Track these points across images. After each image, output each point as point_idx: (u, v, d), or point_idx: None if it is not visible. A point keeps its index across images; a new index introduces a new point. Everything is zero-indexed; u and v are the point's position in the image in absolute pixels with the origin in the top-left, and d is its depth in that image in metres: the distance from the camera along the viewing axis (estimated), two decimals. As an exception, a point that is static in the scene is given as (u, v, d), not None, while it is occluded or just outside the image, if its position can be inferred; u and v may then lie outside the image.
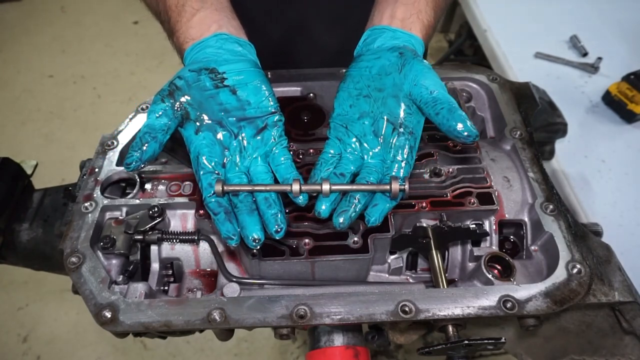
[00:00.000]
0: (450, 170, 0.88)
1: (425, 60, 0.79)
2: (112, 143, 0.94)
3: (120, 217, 0.84)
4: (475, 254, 0.83)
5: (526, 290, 0.73)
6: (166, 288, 0.85)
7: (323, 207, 0.73)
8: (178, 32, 0.84)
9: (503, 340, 0.70)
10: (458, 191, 0.85)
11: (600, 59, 1.86)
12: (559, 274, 0.75)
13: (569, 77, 1.85)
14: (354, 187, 0.73)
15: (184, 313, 0.71)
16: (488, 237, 0.85)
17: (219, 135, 0.79)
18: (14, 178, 0.98)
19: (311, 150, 0.92)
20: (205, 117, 0.79)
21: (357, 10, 0.95)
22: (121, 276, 0.78)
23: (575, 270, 0.75)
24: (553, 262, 0.78)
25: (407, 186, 0.72)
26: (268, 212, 0.73)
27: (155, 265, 0.84)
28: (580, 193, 1.50)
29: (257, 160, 0.79)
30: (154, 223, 0.82)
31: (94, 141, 0.95)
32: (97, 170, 0.90)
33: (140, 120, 0.97)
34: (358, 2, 0.99)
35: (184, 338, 2.08)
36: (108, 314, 0.70)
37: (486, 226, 0.85)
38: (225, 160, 0.79)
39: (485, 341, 0.71)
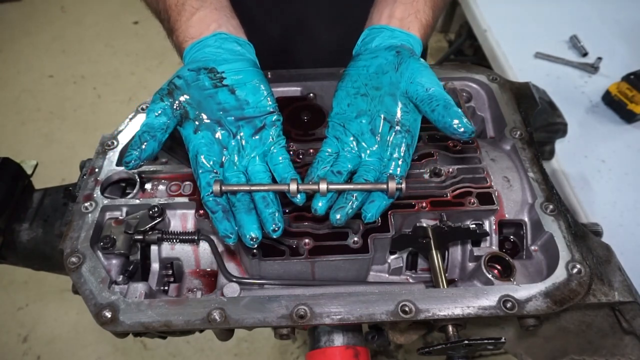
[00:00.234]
0: (450, 170, 0.88)
1: (422, 59, 0.79)
2: (112, 143, 0.94)
3: (120, 217, 0.84)
4: (475, 254, 0.83)
5: (526, 290, 0.73)
6: (166, 288, 0.85)
7: (320, 205, 0.73)
8: (177, 31, 0.84)
9: (503, 340, 0.70)
10: (458, 191, 0.85)
11: (600, 59, 1.86)
12: (559, 274, 0.75)
13: (569, 77, 1.85)
14: (351, 186, 0.74)
15: (184, 313, 0.71)
16: (488, 237, 0.85)
17: (218, 135, 0.79)
18: (14, 178, 0.98)
19: (311, 150, 0.92)
20: (204, 116, 0.79)
21: (357, 9, 0.95)
22: (121, 276, 0.78)
23: (575, 270, 0.75)
24: (553, 262, 0.78)
25: (404, 185, 0.72)
26: (266, 211, 0.73)
27: (155, 265, 0.84)
28: (580, 193, 1.50)
29: (255, 159, 0.80)
30: (154, 223, 0.82)
31: (94, 141, 0.95)
32: (97, 170, 0.90)
33: (140, 120, 0.97)
34: (358, 1, 0.99)
35: (184, 338, 2.08)
36: (108, 314, 0.70)
37: (486, 226, 0.85)
38: (223, 160, 0.79)
39: (485, 341, 0.71)
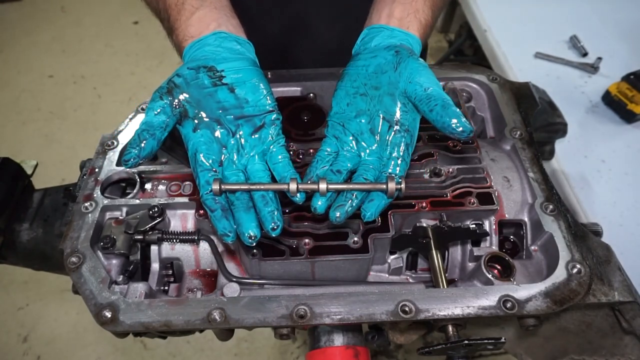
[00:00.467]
0: (450, 170, 0.88)
1: (421, 59, 0.79)
2: (112, 143, 0.94)
3: (121, 217, 0.84)
4: (475, 254, 0.83)
5: (526, 290, 0.73)
6: (166, 288, 0.85)
7: (319, 203, 0.73)
8: (177, 30, 0.84)
9: (503, 340, 0.70)
10: (458, 191, 0.85)
11: (600, 59, 1.86)
12: (559, 274, 0.75)
13: (569, 77, 1.85)
14: (350, 186, 0.73)
15: (184, 313, 0.71)
16: (488, 237, 0.85)
17: (217, 133, 0.79)
18: (14, 178, 0.98)
19: (311, 150, 0.92)
20: (204, 115, 0.79)
21: (356, 9, 0.95)
22: (121, 276, 0.78)
23: (575, 270, 0.75)
24: (553, 262, 0.78)
25: (403, 185, 0.72)
26: (265, 209, 0.73)
27: (155, 265, 0.84)
28: (580, 193, 1.50)
29: (255, 158, 0.79)
30: (154, 223, 0.82)
31: (94, 141, 0.95)
32: (97, 170, 0.90)
33: (140, 120, 0.97)
34: (358, 0, 0.99)
35: (184, 338, 2.08)
36: (108, 314, 0.70)
37: (486, 226, 0.85)
38: (222, 158, 0.79)
39: (485, 341, 0.71)
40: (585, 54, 1.90)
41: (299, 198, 0.74)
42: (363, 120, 0.80)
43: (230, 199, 0.75)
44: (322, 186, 0.71)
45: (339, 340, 0.82)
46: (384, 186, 0.72)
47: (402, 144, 0.77)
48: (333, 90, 0.85)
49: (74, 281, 0.75)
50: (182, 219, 0.86)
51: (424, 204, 0.83)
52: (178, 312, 0.71)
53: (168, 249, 0.85)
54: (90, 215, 0.82)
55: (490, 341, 0.71)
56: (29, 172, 1.03)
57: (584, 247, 0.80)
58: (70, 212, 0.86)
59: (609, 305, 0.78)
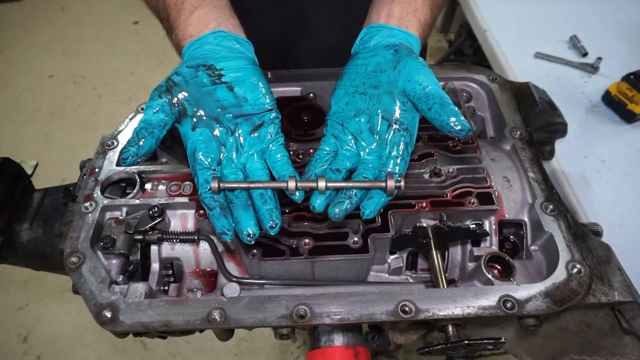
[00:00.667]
0: (450, 170, 0.88)
1: (420, 58, 0.79)
2: (112, 143, 0.94)
3: (121, 217, 0.84)
4: (475, 254, 0.83)
5: (526, 290, 0.73)
6: (166, 288, 0.85)
7: (318, 202, 0.73)
8: (177, 29, 0.84)
9: (503, 340, 0.70)
10: (458, 191, 0.85)
11: (600, 59, 1.86)
12: (559, 274, 0.75)
13: (569, 77, 1.85)
14: (350, 183, 0.73)
15: (184, 313, 0.71)
16: (488, 237, 0.85)
17: (216, 132, 0.79)
18: (14, 178, 0.98)
19: (311, 150, 0.92)
20: (202, 114, 0.79)
21: (356, 9, 0.95)
22: (121, 276, 0.78)
23: (575, 270, 0.75)
24: (553, 262, 0.78)
25: (402, 182, 0.72)
26: (263, 207, 0.73)
27: (155, 265, 0.84)
28: (580, 193, 1.50)
29: (254, 157, 0.79)
30: (154, 223, 0.82)
31: (94, 141, 0.95)
32: (97, 170, 0.90)
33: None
34: (358, 0, 0.99)
35: (184, 338, 2.08)
36: (108, 314, 0.70)
37: (486, 226, 0.85)
38: (221, 157, 0.79)
39: (485, 341, 0.71)
40: (585, 54, 1.90)
41: (298, 196, 0.74)
42: (362, 119, 0.80)
43: (229, 198, 0.75)
44: (321, 184, 0.71)
45: (339, 340, 0.82)
46: (383, 184, 0.72)
47: (402, 142, 0.77)
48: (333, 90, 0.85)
49: (74, 281, 0.75)
50: (182, 219, 0.86)
51: (424, 204, 0.83)
52: (178, 312, 0.71)
53: (168, 249, 0.85)
54: (90, 215, 0.82)
55: (490, 341, 0.71)
56: (29, 172, 1.03)
57: (584, 247, 0.80)
58: (70, 212, 0.86)
59: (609, 305, 0.78)
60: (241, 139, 0.80)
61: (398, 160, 0.76)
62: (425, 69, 0.76)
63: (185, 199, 0.85)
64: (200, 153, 0.77)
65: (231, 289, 0.77)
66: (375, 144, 0.79)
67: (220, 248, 0.84)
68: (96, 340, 2.26)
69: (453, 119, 0.70)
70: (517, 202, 0.87)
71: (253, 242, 0.73)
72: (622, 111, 1.69)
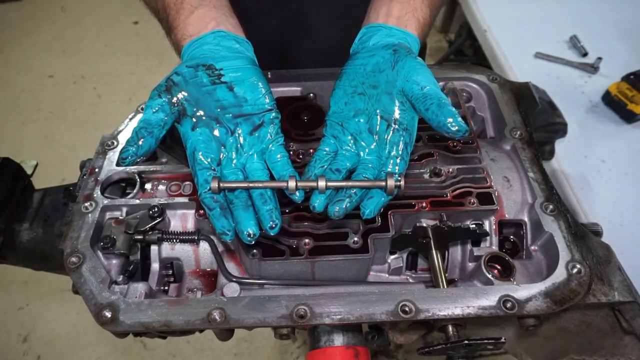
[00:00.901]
0: (450, 170, 0.88)
1: (419, 57, 0.79)
2: (112, 143, 0.94)
3: (121, 217, 0.84)
4: (475, 254, 0.83)
5: (526, 290, 0.73)
6: (166, 288, 0.85)
7: (318, 201, 0.73)
8: (176, 29, 0.84)
9: (503, 340, 0.70)
10: (458, 191, 0.85)
11: (600, 59, 1.86)
12: (559, 274, 0.75)
13: (569, 77, 1.85)
14: (350, 183, 0.73)
15: (184, 313, 0.71)
16: (488, 237, 0.85)
17: (216, 132, 0.79)
18: (14, 178, 0.98)
19: (311, 150, 0.92)
20: (202, 113, 0.79)
21: (356, 9, 0.95)
22: (121, 276, 0.78)
23: (575, 270, 0.75)
24: (553, 262, 0.78)
25: (402, 182, 0.72)
26: (263, 207, 0.73)
27: (155, 265, 0.84)
28: (580, 193, 1.50)
29: (254, 157, 0.79)
30: (154, 223, 0.82)
31: (94, 141, 0.95)
32: (97, 170, 0.90)
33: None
34: (358, 0, 0.99)
35: (184, 338, 2.08)
36: (108, 314, 0.70)
37: (486, 226, 0.85)
38: (221, 157, 0.79)
39: (485, 341, 0.71)
40: (585, 54, 1.90)
41: (298, 196, 0.74)
42: (361, 120, 0.80)
43: (229, 198, 0.75)
44: (321, 183, 0.71)
45: (339, 340, 0.82)
46: (383, 183, 0.72)
47: (401, 142, 0.77)
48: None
49: (74, 281, 0.75)
50: (182, 219, 0.86)
51: (424, 204, 0.83)
52: (178, 312, 0.71)
53: (168, 249, 0.85)
54: (90, 215, 0.82)
55: (490, 341, 0.71)
56: (29, 172, 1.03)
57: (584, 247, 0.80)
58: (70, 212, 0.86)
59: (609, 305, 0.78)
60: (241, 139, 0.80)
61: (398, 160, 0.76)
62: (423, 69, 0.76)
63: (185, 199, 0.85)
64: (200, 153, 0.77)
65: (231, 289, 0.77)
66: (374, 144, 0.79)
67: (220, 248, 0.84)
68: (96, 340, 2.26)
69: (450, 119, 0.70)
70: (517, 202, 0.87)
71: (253, 242, 0.73)
72: (622, 111, 1.69)
